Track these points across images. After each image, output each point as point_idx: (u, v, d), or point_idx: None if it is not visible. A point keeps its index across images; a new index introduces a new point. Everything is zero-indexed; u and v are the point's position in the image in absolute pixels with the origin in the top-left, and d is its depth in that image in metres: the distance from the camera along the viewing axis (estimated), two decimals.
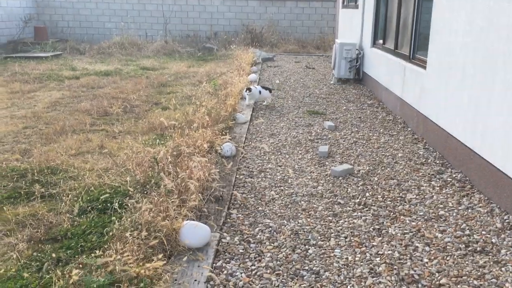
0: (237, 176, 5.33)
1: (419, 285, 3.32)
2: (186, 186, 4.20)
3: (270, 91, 8.84)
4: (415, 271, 3.48)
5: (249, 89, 8.52)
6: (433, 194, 4.85)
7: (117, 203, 4.15)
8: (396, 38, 8.44)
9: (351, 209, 4.53)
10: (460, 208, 4.54)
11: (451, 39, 5.70)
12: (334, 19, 18.14)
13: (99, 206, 4.27)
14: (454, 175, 5.31)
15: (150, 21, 19.34)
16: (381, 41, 9.67)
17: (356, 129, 7.29)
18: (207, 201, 4.49)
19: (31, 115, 7.94)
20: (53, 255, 3.35)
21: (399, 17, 8.29)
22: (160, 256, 3.23)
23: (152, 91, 10.20)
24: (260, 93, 8.63)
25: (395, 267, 3.54)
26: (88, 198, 4.46)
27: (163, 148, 5.35)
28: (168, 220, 3.68)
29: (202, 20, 18.97)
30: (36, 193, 4.58)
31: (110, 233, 3.60)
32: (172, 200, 3.96)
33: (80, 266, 3.04)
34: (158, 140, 6.36)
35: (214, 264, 3.58)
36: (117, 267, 2.87)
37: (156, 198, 3.97)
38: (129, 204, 4.07)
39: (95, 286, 2.67)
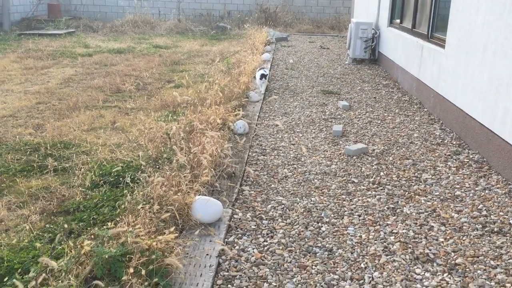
0: (250, 153, 5.28)
1: (434, 264, 3.26)
2: (198, 161, 4.16)
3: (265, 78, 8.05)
4: (430, 250, 3.42)
5: (263, 76, 7.95)
6: (449, 174, 4.76)
7: (129, 177, 4.13)
8: (414, 17, 8.24)
9: (365, 188, 4.46)
10: (477, 188, 4.45)
11: (472, 17, 5.53)
12: None
13: (111, 180, 4.26)
14: (471, 156, 5.21)
15: (163, 0, 19.16)
16: (398, 20, 9.47)
17: (371, 109, 7.17)
18: (219, 177, 4.45)
19: (45, 91, 7.93)
20: (65, 226, 3.35)
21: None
22: (171, 229, 3.20)
23: (165, 69, 10.14)
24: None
25: (409, 246, 3.48)
26: (101, 172, 4.44)
27: (176, 124, 5.30)
28: (180, 194, 3.65)
29: None
30: (49, 167, 4.59)
31: (122, 206, 3.58)
32: (184, 174, 3.92)
33: (92, 237, 3.02)
34: (170, 116, 6.32)
35: (226, 239, 3.55)
36: (128, 239, 2.85)
37: (168, 172, 3.94)
38: (141, 178, 4.04)
39: (106, 256, 2.65)
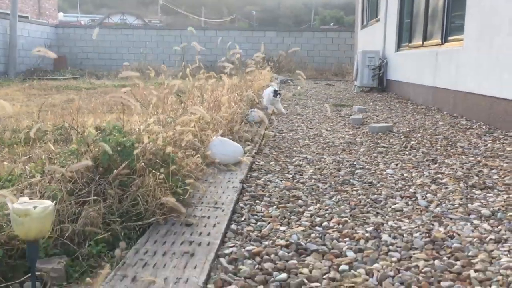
0: (266, 133, 4.88)
1: (495, 190, 2.78)
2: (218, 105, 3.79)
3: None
4: (485, 182, 2.96)
5: (278, 93, 6.50)
6: (487, 144, 4.34)
7: None
8: (424, 31, 8.16)
9: (398, 149, 4.04)
10: None
11: None
12: (352, 48, 18.10)
13: None
14: (505, 133, 4.81)
15: (168, 52, 19.47)
16: (406, 43, 9.41)
17: (387, 114, 6.84)
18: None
19: (48, 105, 7.65)
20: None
21: (427, 9, 8.05)
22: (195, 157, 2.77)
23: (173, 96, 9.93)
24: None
25: (461, 180, 3.02)
26: None
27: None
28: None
29: (219, 50, 19.02)
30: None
31: None
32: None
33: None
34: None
35: (249, 175, 3.09)
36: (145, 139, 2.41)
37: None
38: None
39: (112, 143, 2.20)
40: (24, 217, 1.17)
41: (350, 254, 1.88)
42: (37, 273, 1.50)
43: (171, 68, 18.05)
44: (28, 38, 17.96)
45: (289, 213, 2.38)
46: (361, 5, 15.04)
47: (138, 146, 2.28)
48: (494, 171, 3.26)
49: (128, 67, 17.43)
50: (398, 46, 9.99)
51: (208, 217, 2.23)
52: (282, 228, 2.17)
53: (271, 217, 2.32)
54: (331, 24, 42.57)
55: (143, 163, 2.26)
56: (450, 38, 7.02)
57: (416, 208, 2.46)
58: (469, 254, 1.87)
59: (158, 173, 2.23)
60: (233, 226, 2.19)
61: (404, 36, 9.74)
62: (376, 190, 2.79)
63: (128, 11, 49.23)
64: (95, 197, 2.03)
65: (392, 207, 2.48)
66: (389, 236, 2.07)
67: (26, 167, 2.23)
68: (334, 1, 63.47)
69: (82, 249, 1.85)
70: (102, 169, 2.28)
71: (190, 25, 20.52)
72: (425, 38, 8.14)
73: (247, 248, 1.93)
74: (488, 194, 2.69)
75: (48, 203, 1.23)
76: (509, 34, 4.98)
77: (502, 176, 3.12)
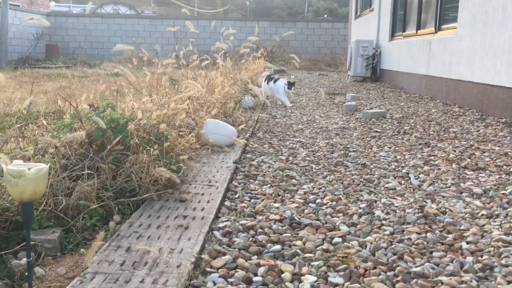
0: (260, 117, 4.89)
1: (487, 171, 2.81)
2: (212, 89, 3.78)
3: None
4: (477, 164, 2.98)
5: (292, 85, 6.18)
6: (479, 129, 4.37)
7: None
8: (418, 20, 8.16)
9: (391, 134, 4.06)
10: None
11: None
12: (345, 39, 18.09)
13: None
14: (497, 120, 4.84)
15: (161, 42, 19.32)
16: (400, 32, 9.41)
17: (380, 102, 6.86)
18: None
19: (40, 91, 7.59)
20: None
21: None
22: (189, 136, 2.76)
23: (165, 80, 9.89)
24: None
25: (454, 161, 3.04)
26: None
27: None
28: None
29: (212, 40, 18.91)
30: None
31: None
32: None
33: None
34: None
35: (243, 156, 3.10)
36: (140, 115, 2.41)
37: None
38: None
39: (106, 119, 2.20)
40: (19, 178, 1.17)
41: (344, 228, 1.90)
42: (31, 242, 1.50)
43: (164, 58, 17.99)
44: (20, 26, 17.76)
45: (282, 191, 2.39)
46: None
47: (132, 123, 2.27)
48: (486, 154, 3.28)
49: (120, 57, 17.34)
50: (392, 36, 10.00)
51: (202, 194, 2.23)
52: (276, 205, 2.18)
53: (265, 194, 2.33)
54: (325, 15, 42.50)
55: (137, 140, 2.25)
56: (443, 26, 7.03)
57: (409, 187, 2.48)
58: (461, 228, 1.89)
59: (152, 150, 2.23)
60: (227, 203, 2.19)
61: (397, 26, 9.75)
62: (369, 171, 2.80)
63: (120, 1, 48.82)
64: (89, 171, 2.02)
65: (385, 186, 2.50)
66: (382, 212, 2.09)
67: (20, 142, 2.22)
68: None
69: (76, 222, 1.85)
70: (96, 147, 2.27)
71: (183, 16, 20.41)
72: (418, 27, 8.15)
73: (241, 222, 1.94)
74: (480, 175, 2.71)
75: (43, 165, 1.23)
76: (503, 21, 5.00)
77: (494, 158, 3.14)
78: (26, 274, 1.33)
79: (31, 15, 18.93)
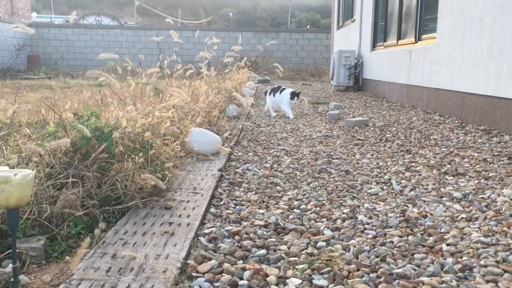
0: (244, 126, 4.92)
1: (467, 177, 2.87)
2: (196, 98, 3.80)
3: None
4: (457, 169, 3.05)
5: (296, 95, 5.80)
6: (459, 136, 4.46)
7: None
8: (398, 30, 8.32)
9: (374, 141, 4.12)
10: (491, 143, 4.14)
11: None
12: (328, 49, 18.30)
13: None
14: (477, 127, 4.95)
15: (144, 53, 19.31)
16: (381, 42, 9.57)
17: (363, 111, 6.96)
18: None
19: (21, 102, 7.52)
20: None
21: (401, 9, 8.22)
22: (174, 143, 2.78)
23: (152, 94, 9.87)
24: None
25: (434, 168, 3.10)
26: None
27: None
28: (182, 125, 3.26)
29: (196, 51, 18.97)
30: None
31: None
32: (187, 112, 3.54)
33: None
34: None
35: (228, 164, 3.12)
36: (124, 122, 2.42)
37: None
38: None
39: (90, 128, 2.20)
40: (5, 184, 1.18)
41: (327, 233, 1.93)
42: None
43: (148, 68, 17.96)
44: (1, 37, 17.59)
45: (267, 198, 2.41)
46: (337, 6, 15.23)
47: (117, 131, 2.28)
48: (465, 160, 3.36)
49: (103, 68, 17.26)
50: (373, 46, 10.16)
51: (188, 201, 2.24)
52: (261, 211, 2.20)
53: (249, 201, 2.35)
54: (308, 26, 42.95)
55: (122, 148, 2.26)
56: (423, 36, 7.18)
57: (391, 192, 2.53)
58: (442, 230, 1.94)
59: (137, 158, 2.24)
60: (213, 210, 2.21)
61: (379, 36, 9.91)
62: (352, 177, 2.85)
63: (103, 12, 48.70)
64: (73, 179, 2.02)
65: (368, 191, 2.54)
66: (365, 216, 2.13)
67: (3, 151, 2.21)
68: (310, 3, 64.04)
69: (61, 230, 1.85)
70: (80, 155, 2.27)
71: (166, 26, 20.43)
72: (399, 37, 8.31)
73: (227, 228, 1.96)
74: (459, 180, 2.78)
75: (29, 171, 1.24)
76: (480, 31, 5.13)
77: (473, 164, 3.22)
78: (12, 280, 1.33)
79: (13, 25, 18.76)
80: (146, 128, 2.49)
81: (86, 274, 1.50)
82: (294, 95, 5.69)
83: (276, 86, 6.21)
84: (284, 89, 5.92)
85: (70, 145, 2.18)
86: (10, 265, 1.42)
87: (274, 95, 5.93)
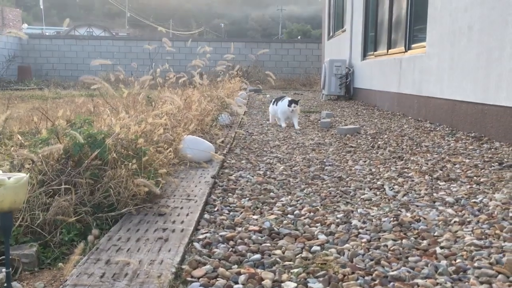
0: (237, 134, 4.92)
1: (459, 182, 2.89)
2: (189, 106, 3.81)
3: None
4: (449, 175, 3.07)
5: (294, 102, 5.70)
6: (450, 143, 4.50)
7: None
8: (388, 40, 8.40)
9: (366, 149, 4.14)
10: (482, 149, 4.18)
11: (453, 5, 5.61)
12: (319, 59, 18.41)
13: None
14: (467, 134, 5.00)
15: (136, 63, 19.31)
16: (372, 52, 9.66)
17: (354, 119, 7.00)
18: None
19: (12, 112, 7.47)
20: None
21: (391, 18, 8.31)
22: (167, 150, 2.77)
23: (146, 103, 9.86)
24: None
25: (426, 173, 3.12)
26: None
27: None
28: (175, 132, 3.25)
29: (188, 61, 19.01)
30: None
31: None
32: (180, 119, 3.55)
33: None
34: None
35: (221, 171, 3.12)
36: (117, 129, 2.41)
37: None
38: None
39: (83, 135, 2.19)
40: None
41: (322, 237, 1.93)
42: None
43: (140, 77, 17.93)
44: None
45: (261, 204, 2.41)
46: (327, 16, 15.38)
47: (110, 138, 2.27)
48: (457, 166, 3.38)
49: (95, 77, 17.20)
50: (364, 55, 10.24)
51: (181, 208, 2.24)
52: (255, 217, 2.20)
53: (243, 207, 2.35)
54: (299, 37, 43.27)
55: (115, 155, 2.25)
56: (413, 45, 7.25)
57: (384, 198, 2.54)
58: (435, 234, 1.95)
59: (130, 164, 2.23)
60: (206, 216, 2.21)
61: (369, 45, 10.00)
62: (345, 183, 2.86)
63: (94, 23, 48.71)
64: (66, 186, 2.01)
65: (361, 197, 2.55)
66: (359, 221, 2.13)
67: None
68: (301, 14, 64.54)
69: (53, 237, 1.83)
70: (73, 162, 2.26)
71: (158, 37, 20.50)
72: (389, 47, 8.38)
73: (221, 233, 1.95)
74: (452, 185, 2.79)
75: (23, 175, 1.23)
76: (469, 41, 5.20)
77: (465, 170, 3.24)
78: (5, 285, 1.31)
79: (3, 37, 18.70)
80: (139, 135, 2.48)
81: (80, 280, 1.49)
82: (291, 102, 5.71)
83: (280, 96, 6.18)
84: (285, 97, 5.93)
85: (63, 152, 2.17)
86: (3, 270, 1.41)
87: (276, 104, 5.93)
